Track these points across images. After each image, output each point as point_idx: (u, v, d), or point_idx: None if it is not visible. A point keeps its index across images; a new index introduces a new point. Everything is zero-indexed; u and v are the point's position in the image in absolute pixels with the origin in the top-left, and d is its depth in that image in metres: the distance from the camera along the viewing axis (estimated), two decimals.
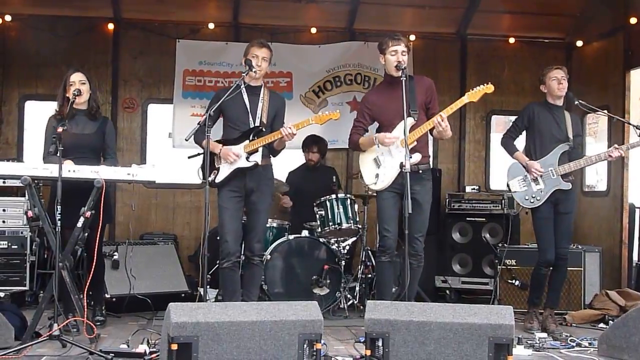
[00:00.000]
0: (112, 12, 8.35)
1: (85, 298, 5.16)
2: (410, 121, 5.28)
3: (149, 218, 8.49)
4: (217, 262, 5.73)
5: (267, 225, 6.45)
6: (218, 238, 5.69)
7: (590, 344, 5.41)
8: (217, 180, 5.58)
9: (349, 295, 6.84)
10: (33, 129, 7.95)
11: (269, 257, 6.54)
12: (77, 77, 5.67)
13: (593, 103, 6.39)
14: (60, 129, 5.00)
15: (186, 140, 5.31)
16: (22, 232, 6.80)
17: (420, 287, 6.80)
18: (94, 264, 5.25)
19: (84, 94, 5.65)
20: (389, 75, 5.66)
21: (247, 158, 5.53)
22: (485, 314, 4.27)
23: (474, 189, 8.34)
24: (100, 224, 5.15)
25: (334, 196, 6.81)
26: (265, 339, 4.11)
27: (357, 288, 6.97)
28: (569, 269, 6.60)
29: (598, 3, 8.28)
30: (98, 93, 5.94)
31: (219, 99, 5.45)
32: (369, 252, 6.99)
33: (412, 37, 8.41)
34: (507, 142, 6.26)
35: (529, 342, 5.34)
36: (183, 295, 6.79)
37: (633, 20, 7.58)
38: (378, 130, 5.77)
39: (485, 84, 5.46)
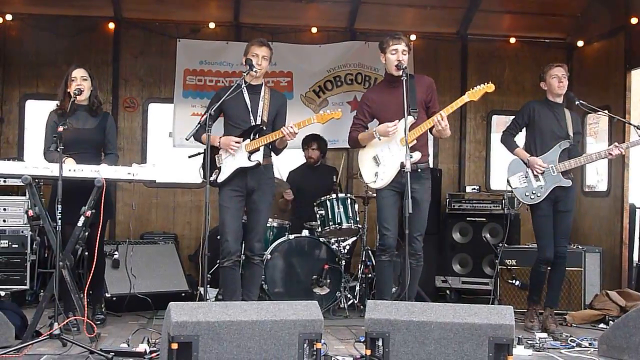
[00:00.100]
0: (113, 11, 8.36)
1: (85, 297, 5.16)
2: (410, 120, 5.28)
3: (150, 217, 8.50)
4: (218, 261, 5.73)
5: (268, 224, 6.45)
6: (218, 237, 5.69)
7: (590, 344, 5.41)
8: (219, 180, 5.59)
9: (349, 295, 6.84)
10: (34, 128, 7.95)
11: (269, 256, 6.54)
12: (79, 73, 5.68)
13: (594, 103, 6.40)
14: (61, 128, 5.01)
15: (187, 139, 5.33)
16: (22, 231, 6.80)
17: (421, 287, 6.80)
18: (95, 263, 5.26)
19: (85, 91, 5.66)
20: (390, 74, 5.66)
21: (249, 157, 5.53)
22: (486, 314, 4.27)
23: (474, 189, 8.34)
24: (101, 222, 5.14)
25: (334, 196, 6.81)
26: (266, 339, 4.11)
27: (357, 288, 6.97)
28: (569, 269, 6.64)
29: (599, 3, 8.28)
30: (99, 92, 5.93)
31: (219, 99, 5.45)
32: (369, 251, 6.99)
33: (413, 37, 8.42)
34: (507, 139, 6.26)
35: (529, 342, 5.35)
36: (183, 294, 6.79)
37: (634, 21, 7.57)
38: None
39: (485, 83, 5.47)
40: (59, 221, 4.92)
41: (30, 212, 5.52)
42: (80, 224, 5.11)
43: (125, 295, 6.52)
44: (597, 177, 8.95)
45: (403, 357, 4.26)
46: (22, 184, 5.18)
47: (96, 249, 5.43)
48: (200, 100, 8.38)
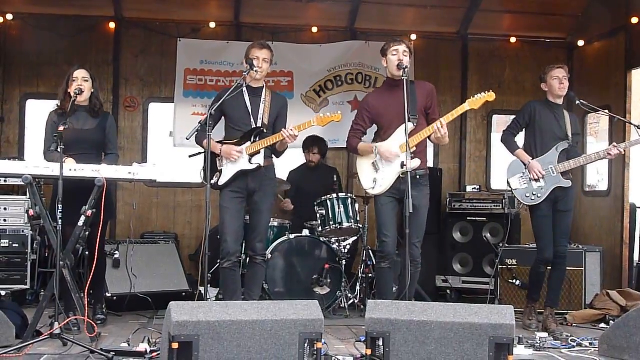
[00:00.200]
0: (114, 11, 8.36)
1: (86, 297, 5.16)
2: (409, 126, 5.26)
3: (150, 217, 8.50)
4: (218, 261, 5.73)
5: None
6: (219, 237, 5.69)
7: (591, 344, 5.41)
8: (220, 183, 5.59)
9: (349, 295, 6.84)
10: (34, 128, 7.96)
11: (269, 256, 6.54)
12: (80, 74, 5.68)
13: (594, 103, 6.40)
14: (61, 128, 5.01)
15: (187, 139, 5.32)
16: (23, 231, 6.80)
17: (421, 286, 6.81)
18: (95, 263, 5.26)
19: (86, 92, 5.66)
20: (391, 79, 5.65)
21: (250, 160, 5.53)
22: (486, 313, 4.27)
23: (474, 188, 8.34)
24: (102, 222, 5.14)
25: (334, 196, 6.81)
26: (266, 338, 4.11)
27: (358, 287, 6.97)
28: (570, 269, 6.65)
29: (599, 3, 8.28)
30: (100, 93, 5.94)
31: (220, 99, 5.45)
32: (370, 251, 6.99)
33: (414, 37, 8.42)
34: (508, 139, 6.26)
35: (529, 341, 5.34)
36: (184, 294, 6.80)
37: (634, 20, 7.57)
38: (377, 133, 5.76)
39: (486, 92, 5.46)
40: (60, 221, 4.92)
41: (31, 212, 5.54)
42: (80, 223, 5.11)
43: (125, 295, 6.52)
44: (597, 176, 8.95)
45: (404, 357, 4.26)
46: (22, 183, 5.18)
47: (97, 249, 5.44)
48: (201, 100, 8.39)
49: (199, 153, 5.93)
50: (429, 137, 5.54)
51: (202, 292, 5.45)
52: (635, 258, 7.66)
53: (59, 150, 4.95)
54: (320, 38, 8.76)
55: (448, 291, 7.95)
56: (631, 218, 7.61)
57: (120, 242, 6.95)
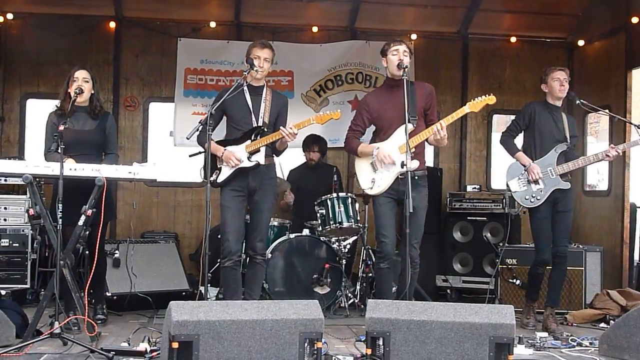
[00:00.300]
0: (114, 10, 8.36)
1: (86, 296, 5.16)
2: (409, 127, 5.26)
3: (150, 216, 8.50)
4: (218, 260, 5.73)
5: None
6: (219, 237, 5.69)
7: (591, 343, 5.41)
8: (219, 180, 5.59)
9: (349, 294, 6.84)
10: (35, 127, 7.95)
11: (269, 255, 6.54)
12: (80, 74, 5.68)
13: (594, 102, 6.41)
14: (61, 127, 5.02)
15: (187, 138, 5.32)
16: (23, 230, 6.80)
17: (421, 286, 6.81)
18: (96, 263, 5.26)
19: (86, 92, 5.66)
20: (390, 79, 5.65)
21: (249, 158, 5.53)
22: (486, 313, 4.27)
23: (475, 188, 8.34)
24: (102, 222, 5.14)
25: (334, 195, 6.80)
26: (266, 338, 4.11)
27: (358, 287, 6.97)
28: (570, 268, 6.66)
29: (599, 3, 8.28)
30: (100, 93, 5.94)
31: (221, 98, 5.45)
32: (370, 251, 6.99)
33: (414, 37, 8.42)
34: (508, 141, 6.27)
35: (529, 341, 5.34)
36: (184, 293, 6.79)
37: (634, 20, 7.58)
38: (375, 134, 5.75)
39: (487, 95, 5.46)
40: (60, 220, 4.91)
41: (31, 211, 5.54)
42: (81, 222, 5.11)
43: (125, 294, 6.52)
44: (597, 176, 8.95)
45: (404, 357, 4.27)
46: (23, 183, 5.18)
47: (97, 248, 5.44)
48: (201, 100, 8.39)
49: (199, 152, 5.93)
50: (426, 140, 5.54)
51: (203, 291, 5.45)
52: (636, 258, 7.66)
53: (59, 150, 4.95)
54: (320, 37, 8.76)
55: (448, 291, 7.95)
56: (631, 218, 7.61)
57: (121, 241, 6.95)
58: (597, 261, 7.13)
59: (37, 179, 5.22)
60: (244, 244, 6.17)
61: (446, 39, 8.97)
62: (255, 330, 4.10)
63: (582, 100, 6.06)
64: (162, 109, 8.70)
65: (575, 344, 5.42)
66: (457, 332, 4.23)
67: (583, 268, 6.98)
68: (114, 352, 4.58)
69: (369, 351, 4.34)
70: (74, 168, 5.10)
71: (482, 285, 7.67)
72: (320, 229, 6.82)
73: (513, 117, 6.52)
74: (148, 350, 4.66)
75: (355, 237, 7.08)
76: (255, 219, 5.71)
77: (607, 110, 6.92)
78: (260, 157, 5.55)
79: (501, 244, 7.07)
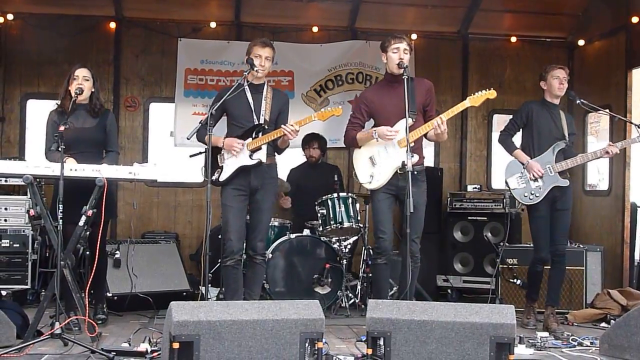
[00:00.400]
0: (114, 10, 8.36)
1: (86, 296, 5.16)
2: (409, 121, 5.26)
3: (151, 217, 8.50)
4: (219, 260, 5.73)
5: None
6: (220, 236, 5.69)
7: (592, 343, 5.41)
8: (221, 179, 5.58)
9: (350, 294, 6.84)
10: (35, 128, 7.96)
11: (270, 255, 6.54)
12: (81, 73, 5.68)
13: (595, 102, 6.41)
14: (62, 128, 5.02)
15: (188, 139, 5.32)
16: (24, 231, 6.80)
17: (422, 285, 6.81)
18: (96, 262, 5.26)
19: (86, 91, 5.66)
20: (390, 74, 5.65)
21: (251, 156, 5.53)
22: (487, 313, 4.27)
23: (475, 188, 8.34)
24: (103, 222, 5.14)
25: (335, 195, 6.80)
26: (267, 338, 4.11)
27: (359, 287, 6.97)
28: (570, 268, 6.68)
29: (600, 2, 8.28)
30: (101, 93, 5.94)
31: (221, 98, 5.45)
32: (371, 250, 6.99)
33: (414, 36, 8.41)
34: (506, 140, 6.30)
35: (530, 341, 5.34)
36: (184, 293, 6.80)
37: (635, 20, 7.58)
38: (373, 128, 5.75)
39: (487, 89, 5.45)
40: (60, 220, 4.91)
41: (32, 212, 5.53)
42: (81, 223, 5.10)
43: (126, 295, 6.52)
44: (598, 176, 8.95)
45: (404, 357, 4.26)
46: (23, 183, 5.18)
47: (97, 248, 5.44)
48: (202, 100, 8.40)
49: (200, 153, 5.93)
50: (425, 135, 5.53)
51: (203, 292, 5.45)
52: (636, 257, 7.66)
53: (59, 150, 4.95)
54: (320, 38, 8.77)
55: (449, 290, 7.95)
56: (632, 217, 7.61)
57: (121, 241, 6.95)
58: (597, 261, 7.12)
59: (38, 180, 5.22)
60: (244, 244, 6.17)
61: (446, 39, 8.97)
62: (255, 331, 4.10)
63: (582, 100, 6.07)
64: (163, 109, 8.70)
65: (576, 343, 5.41)
66: (458, 332, 4.23)
67: (584, 268, 6.99)
68: (114, 353, 4.58)
69: (370, 351, 4.34)
70: (74, 168, 5.10)
71: (482, 285, 7.68)
72: (320, 229, 6.82)
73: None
74: (149, 350, 4.65)
75: (355, 237, 7.08)
76: (256, 218, 5.70)
77: (607, 110, 6.92)
78: (262, 155, 5.53)
79: (502, 244, 7.07)
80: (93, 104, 5.77)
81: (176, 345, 3.95)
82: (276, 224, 6.98)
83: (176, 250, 7.29)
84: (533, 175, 6.03)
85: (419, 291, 6.66)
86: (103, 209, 5.05)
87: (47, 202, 6.01)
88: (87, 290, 5.23)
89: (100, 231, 5.36)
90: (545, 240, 6.11)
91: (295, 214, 7.56)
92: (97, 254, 5.38)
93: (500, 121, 9.22)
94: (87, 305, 5.14)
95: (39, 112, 7.95)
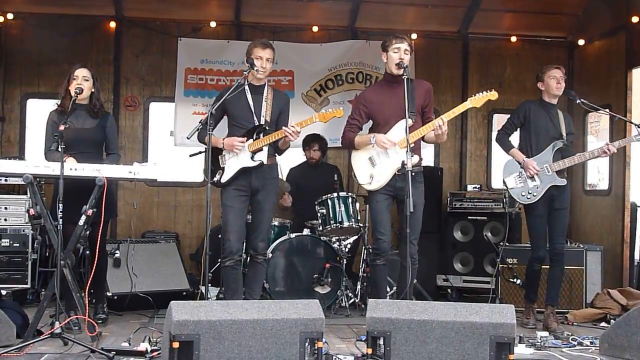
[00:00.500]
0: (114, 10, 8.36)
1: (86, 296, 5.16)
2: (409, 123, 5.26)
3: (151, 216, 8.51)
4: (219, 260, 5.73)
5: None
6: (220, 236, 5.69)
7: (591, 342, 5.41)
8: (222, 180, 5.59)
9: (350, 294, 6.84)
10: (35, 127, 7.96)
11: (270, 255, 6.54)
12: (80, 73, 5.68)
13: (595, 102, 6.41)
14: (62, 127, 5.02)
15: (188, 138, 5.32)
16: (23, 230, 6.79)
17: (422, 285, 6.82)
18: (96, 262, 5.26)
19: (86, 90, 5.66)
20: (389, 74, 5.65)
21: (252, 157, 5.52)
22: (487, 312, 4.27)
23: (475, 187, 8.34)
24: (103, 221, 5.14)
25: (335, 195, 6.80)
26: (267, 337, 4.11)
27: (359, 286, 6.97)
28: (570, 268, 6.70)
29: (600, 2, 8.28)
30: (101, 93, 5.94)
31: (221, 98, 5.45)
32: (371, 250, 6.98)
33: (414, 36, 8.41)
34: (503, 139, 6.33)
35: (530, 340, 5.34)
36: (184, 293, 6.80)
37: (635, 19, 7.57)
38: (372, 129, 5.75)
39: (488, 91, 5.46)
40: (60, 220, 4.91)
41: (32, 211, 5.53)
42: (81, 222, 5.10)
43: (126, 294, 6.52)
44: (598, 175, 8.96)
45: (404, 356, 4.26)
46: (23, 182, 5.18)
47: (97, 248, 5.44)
48: (202, 99, 8.40)
49: (200, 152, 5.92)
50: (422, 137, 5.53)
51: (203, 291, 5.45)
52: (636, 257, 7.66)
53: (59, 149, 4.95)
54: (320, 37, 8.76)
55: (449, 290, 7.95)
56: (632, 217, 7.61)
57: (121, 241, 6.95)
58: (597, 260, 7.13)
59: (38, 179, 5.22)
60: (244, 244, 6.17)
61: (446, 39, 8.97)
62: (255, 330, 4.10)
63: (582, 100, 6.09)
64: (163, 109, 8.70)
65: (575, 343, 5.42)
66: (458, 331, 4.23)
67: (584, 267, 6.99)
68: (114, 352, 4.58)
69: (370, 351, 4.34)
70: (74, 168, 5.10)
71: (482, 284, 7.68)
72: (320, 228, 6.82)
73: None
74: (149, 350, 4.65)
75: (355, 237, 7.08)
76: (257, 218, 5.71)
77: (607, 110, 6.92)
78: (263, 156, 5.53)
79: (502, 244, 7.08)
80: (93, 104, 5.77)
81: (176, 345, 3.95)
82: (276, 223, 6.98)
83: (176, 250, 7.29)
84: (529, 173, 6.05)
85: (419, 291, 6.67)
86: (103, 208, 5.05)
87: (47, 201, 6.02)
88: (87, 290, 5.24)
89: (100, 231, 5.37)
90: (542, 239, 6.13)
91: (295, 214, 7.56)
92: (97, 253, 5.38)
93: (500, 121, 9.19)
94: (87, 304, 5.14)
95: (39, 112, 7.95)
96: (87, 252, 5.41)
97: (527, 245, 7.15)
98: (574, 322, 6.44)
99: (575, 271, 6.92)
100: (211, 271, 5.77)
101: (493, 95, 5.45)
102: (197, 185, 8.25)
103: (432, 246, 7.77)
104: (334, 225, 6.73)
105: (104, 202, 5.04)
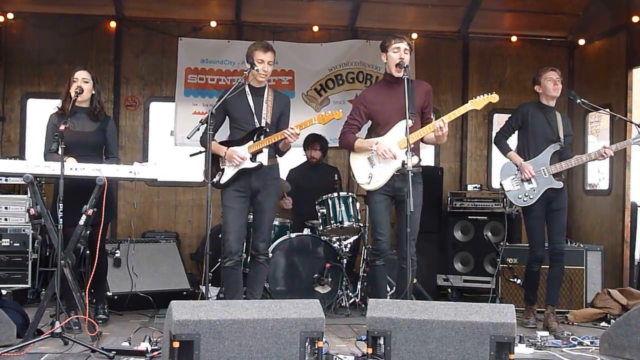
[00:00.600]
0: (114, 10, 8.36)
1: (87, 296, 5.16)
2: (409, 123, 5.25)
3: (151, 216, 8.51)
4: (219, 260, 5.73)
5: None
6: (220, 236, 5.69)
7: (592, 342, 5.41)
8: (222, 181, 5.59)
9: (350, 294, 6.84)
10: (35, 127, 7.96)
11: (270, 254, 6.53)
12: (80, 75, 5.68)
13: (595, 102, 6.42)
14: (62, 127, 5.02)
15: (188, 138, 5.31)
16: (24, 230, 6.80)
17: (422, 285, 6.82)
18: (96, 261, 5.26)
19: (86, 93, 5.65)
20: (389, 75, 5.63)
21: (252, 159, 5.53)
22: (487, 312, 4.27)
23: (475, 187, 8.34)
24: (103, 221, 5.14)
25: (335, 194, 6.80)
26: (267, 337, 4.11)
27: (359, 286, 6.97)
28: (571, 267, 6.70)
29: (600, 2, 8.28)
30: (101, 94, 5.93)
31: (222, 98, 5.45)
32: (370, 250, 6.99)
33: (414, 36, 8.41)
34: (501, 141, 6.35)
35: (530, 340, 5.34)
36: (185, 293, 6.80)
37: (635, 19, 7.58)
38: (371, 129, 5.73)
39: (489, 93, 5.45)
40: (61, 220, 4.91)
41: (32, 211, 5.54)
42: (81, 222, 5.10)
43: (126, 294, 6.53)
44: (598, 175, 8.95)
45: (405, 356, 4.26)
46: (23, 182, 5.18)
47: (98, 248, 5.44)
48: (202, 99, 8.40)
49: (200, 152, 5.92)
50: (421, 139, 5.53)
51: (203, 291, 5.45)
52: (636, 257, 7.66)
53: (59, 150, 4.95)
54: (321, 37, 8.77)
55: (449, 290, 7.95)
56: (632, 217, 7.61)
57: (122, 241, 6.95)
58: (597, 260, 7.13)
59: (38, 179, 5.22)
60: (245, 244, 6.18)
61: (447, 39, 8.97)
62: (256, 330, 4.10)
63: (582, 100, 6.10)
64: (163, 109, 8.70)
65: (576, 343, 5.42)
66: (458, 331, 4.23)
67: (584, 267, 6.99)
68: (114, 352, 4.58)
69: (370, 350, 4.34)
70: (74, 168, 5.10)
71: (483, 284, 7.68)
72: (321, 228, 6.82)
73: None
74: (149, 349, 4.65)
75: (356, 237, 7.08)
76: (258, 219, 5.71)
77: (607, 110, 6.93)
78: (263, 158, 5.54)
79: (502, 243, 7.07)
80: (93, 107, 5.75)
81: (176, 345, 3.95)
82: (277, 223, 6.97)
83: (176, 250, 7.29)
84: (525, 177, 6.06)
85: (419, 291, 6.66)
86: (103, 208, 5.05)
87: (48, 201, 6.02)
88: (87, 290, 5.23)
89: (101, 230, 5.36)
90: (541, 239, 6.15)
91: (295, 214, 7.56)
92: (97, 253, 5.38)
93: (500, 121, 9.19)
94: (88, 304, 5.14)
95: (39, 112, 7.96)
96: (88, 251, 5.41)
97: (527, 245, 7.18)
98: (574, 321, 6.44)
99: (575, 271, 6.92)
100: (211, 271, 5.77)
101: (494, 97, 5.44)
102: (198, 185, 8.25)
103: (433, 246, 7.78)
104: (335, 225, 6.73)
105: (104, 202, 5.04)
